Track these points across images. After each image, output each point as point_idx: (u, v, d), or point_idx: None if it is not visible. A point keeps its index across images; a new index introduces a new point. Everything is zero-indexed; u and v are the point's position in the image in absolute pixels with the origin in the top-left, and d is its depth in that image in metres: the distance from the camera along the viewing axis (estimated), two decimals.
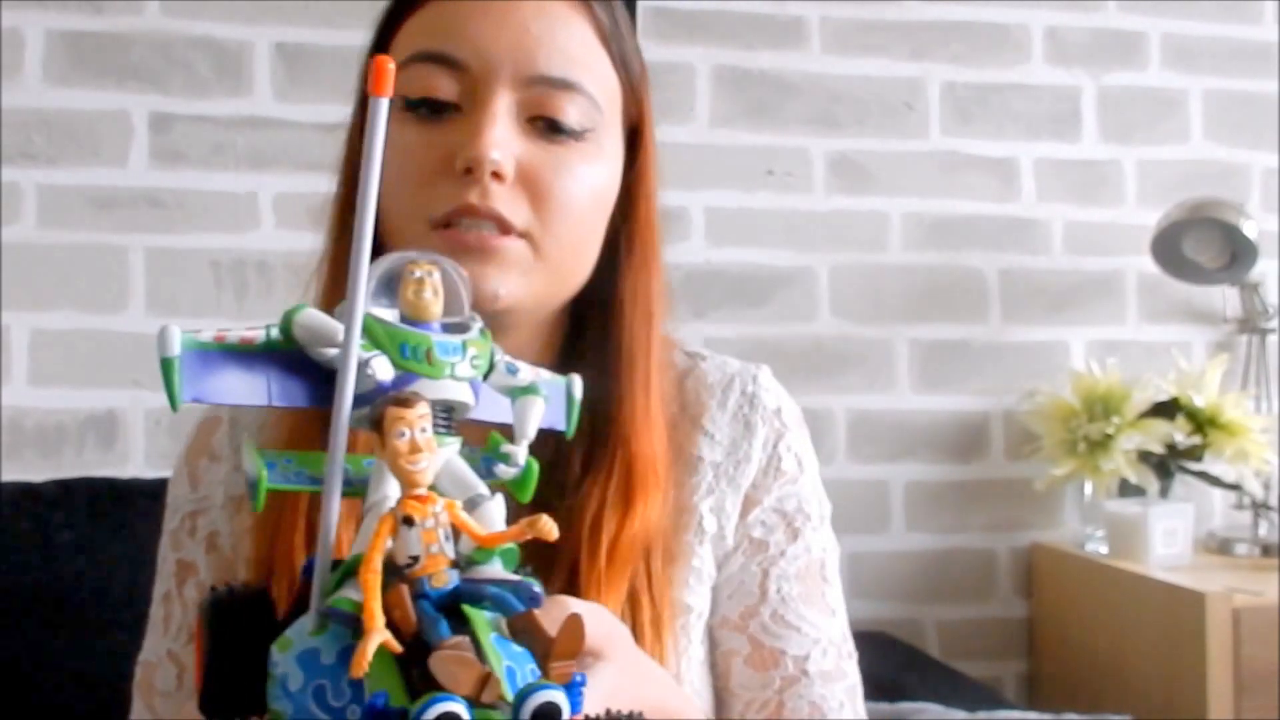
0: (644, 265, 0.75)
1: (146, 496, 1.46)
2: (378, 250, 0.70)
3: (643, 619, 0.70)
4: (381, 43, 0.73)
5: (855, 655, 0.80)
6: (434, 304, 0.47)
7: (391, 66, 0.42)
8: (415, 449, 0.42)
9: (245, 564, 0.76)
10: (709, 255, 1.88)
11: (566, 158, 0.69)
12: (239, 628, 0.45)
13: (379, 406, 0.43)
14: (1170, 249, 1.89)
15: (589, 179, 0.70)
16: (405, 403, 0.42)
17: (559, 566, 0.68)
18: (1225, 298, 2.00)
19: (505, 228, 0.67)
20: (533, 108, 0.68)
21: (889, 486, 1.95)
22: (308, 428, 0.68)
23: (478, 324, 0.50)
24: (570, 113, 0.68)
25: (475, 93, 0.67)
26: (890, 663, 1.70)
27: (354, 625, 0.41)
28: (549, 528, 0.44)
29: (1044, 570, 1.94)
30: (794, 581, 0.77)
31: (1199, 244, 1.88)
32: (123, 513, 1.46)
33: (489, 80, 0.67)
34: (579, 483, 0.70)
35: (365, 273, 0.44)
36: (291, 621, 0.45)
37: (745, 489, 0.78)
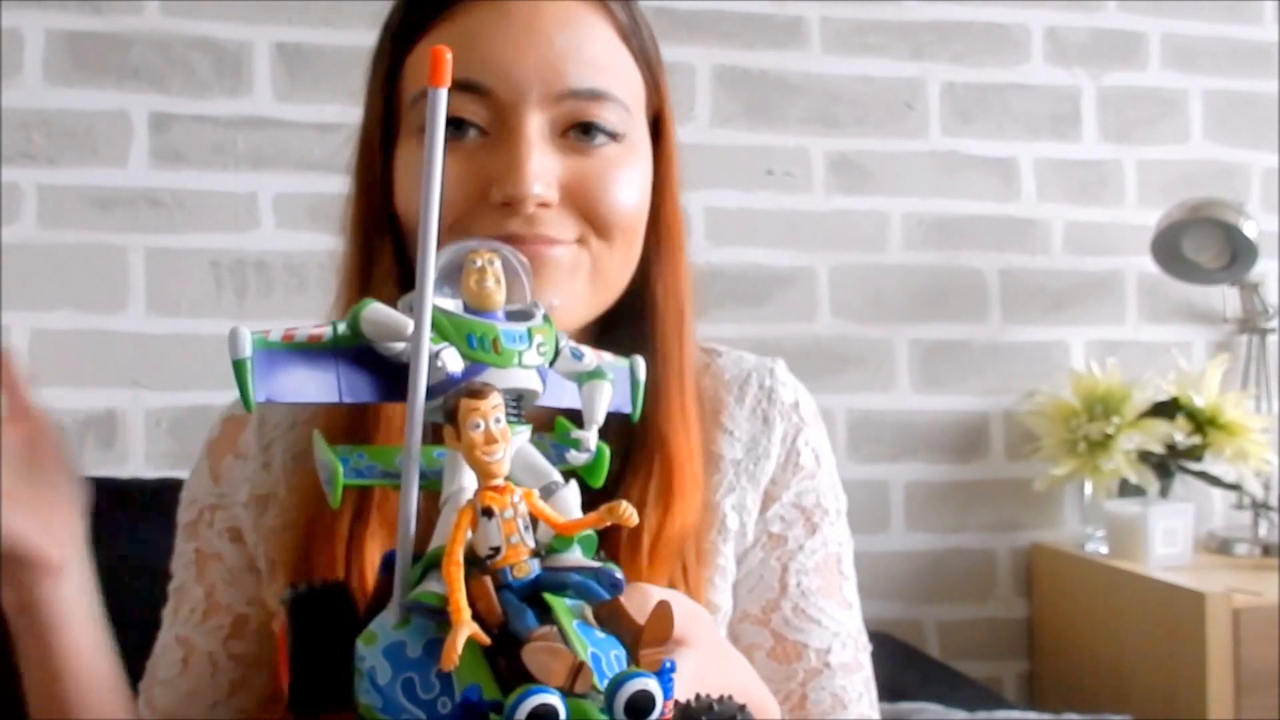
0: (672, 260, 0.73)
1: (146, 496, 1.46)
2: (405, 264, 0.70)
3: None
4: (394, 66, 0.70)
5: (870, 648, 0.81)
6: (497, 293, 0.47)
7: (449, 56, 0.42)
8: (491, 440, 0.42)
9: (269, 565, 0.76)
10: (709, 255, 1.88)
11: (608, 166, 0.68)
12: (323, 622, 0.46)
13: (452, 399, 0.43)
14: (1170, 249, 1.89)
15: (631, 182, 0.69)
16: (478, 394, 0.42)
17: None
18: (1225, 298, 2.00)
19: (555, 242, 0.66)
20: (565, 121, 0.67)
21: (889, 486, 1.95)
22: (343, 425, 0.68)
23: (540, 310, 0.49)
24: (602, 118, 0.67)
25: (504, 118, 0.66)
26: (890, 663, 1.69)
27: (438, 618, 0.41)
28: (629, 514, 0.43)
29: (1044, 570, 1.94)
30: (813, 575, 0.78)
31: (1199, 244, 1.88)
32: (122, 513, 1.45)
33: (518, 104, 0.65)
34: (617, 483, 0.69)
35: (432, 265, 0.44)
36: (372, 616, 0.45)
37: (764, 485, 0.78)
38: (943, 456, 1.97)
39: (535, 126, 0.65)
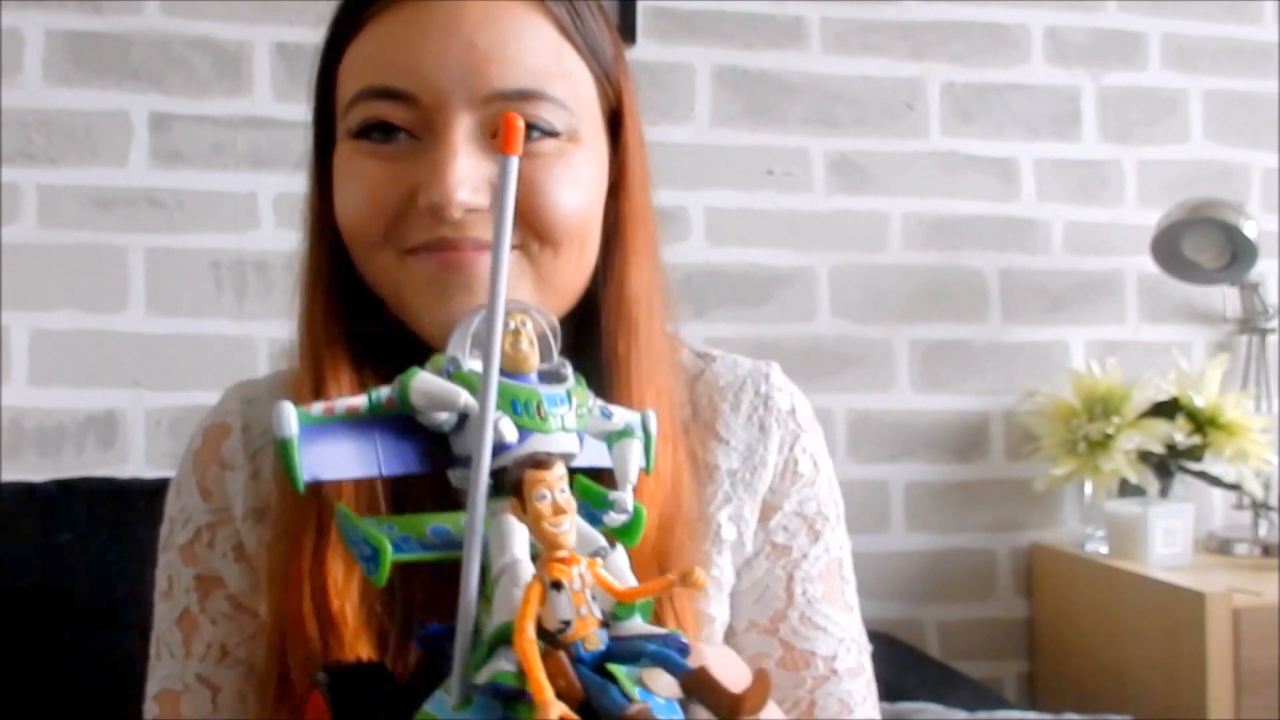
0: (622, 259, 0.70)
1: (146, 496, 1.46)
2: (348, 270, 0.68)
3: None
4: (326, 78, 0.69)
5: (870, 649, 0.81)
6: (531, 355, 0.46)
7: (521, 124, 0.42)
8: (558, 510, 0.41)
9: (264, 580, 0.73)
10: (709, 255, 1.88)
11: (545, 163, 0.64)
12: (365, 703, 0.44)
13: (515, 469, 0.42)
14: (1170, 249, 1.89)
15: (572, 179, 0.65)
16: (543, 465, 0.41)
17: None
18: (1225, 298, 2.00)
19: (488, 247, 0.63)
20: (496, 122, 0.63)
21: (889, 486, 1.95)
22: None
23: (569, 369, 0.49)
24: (537, 117, 0.64)
25: (430, 122, 0.63)
26: (890, 663, 1.69)
27: (506, 698, 0.40)
28: (700, 578, 0.42)
29: (1044, 570, 1.94)
30: (817, 583, 0.78)
31: (1199, 244, 1.88)
32: (123, 513, 1.45)
33: (442, 109, 0.63)
34: None
35: (499, 334, 0.43)
36: (417, 695, 0.43)
37: (763, 494, 0.77)
38: (943, 456, 1.97)
39: (462, 130, 0.63)
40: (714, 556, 0.75)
